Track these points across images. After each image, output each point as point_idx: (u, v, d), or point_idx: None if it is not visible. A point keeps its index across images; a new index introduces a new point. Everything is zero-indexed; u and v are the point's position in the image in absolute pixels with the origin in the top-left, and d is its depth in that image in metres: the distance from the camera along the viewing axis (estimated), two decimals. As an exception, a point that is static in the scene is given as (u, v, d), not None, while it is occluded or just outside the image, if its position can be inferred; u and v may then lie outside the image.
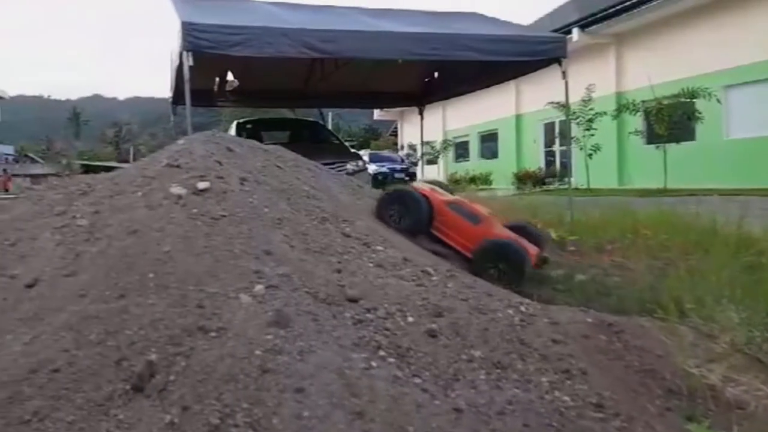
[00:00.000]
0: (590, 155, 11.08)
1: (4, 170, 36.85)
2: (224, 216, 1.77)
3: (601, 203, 5.59)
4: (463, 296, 1.69)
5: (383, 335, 1.43)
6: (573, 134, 10.13)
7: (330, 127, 16.00)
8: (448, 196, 3.62)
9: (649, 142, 11.88)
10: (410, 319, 1.52)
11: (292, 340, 1.30)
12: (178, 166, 1.97)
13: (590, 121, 11.24)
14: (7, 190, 29.87)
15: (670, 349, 1.61)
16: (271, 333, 1.31)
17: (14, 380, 1.18)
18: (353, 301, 1.56)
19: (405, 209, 3.35)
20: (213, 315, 1.37)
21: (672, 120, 10.71)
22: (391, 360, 1.34)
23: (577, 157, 10.91)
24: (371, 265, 1.81)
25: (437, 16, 10.31)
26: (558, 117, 13.10)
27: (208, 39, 6.95)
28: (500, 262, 3.11)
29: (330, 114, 15.53)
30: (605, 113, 11.49)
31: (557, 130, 14.31)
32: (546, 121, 15.39)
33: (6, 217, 1.87)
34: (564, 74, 8.70)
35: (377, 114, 24.73)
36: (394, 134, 25.89)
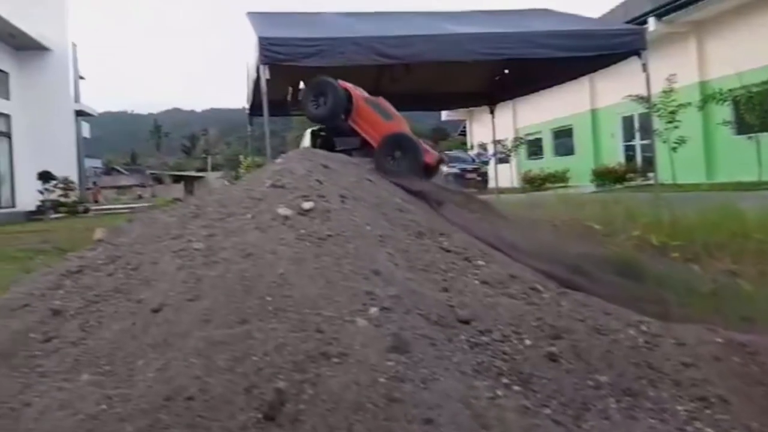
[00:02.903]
0: (674, 149, 10.55)
1: (94, 183, 39.49)
2: (330, 236, 1.79)
3: (693, 200, 5.29)
4: (579, 316, 1.63)
5: (502, 360, 1.39)
6: (655, 127, 9.67)
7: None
8: (368, 95, 4.06)
9: (740, 132, 11.16)
10: (527, 341, 1.48)
11: (413, 367, 1.29)
12: (282, 187, 2.02)
13: (673, 112, 10.71)
14: (96, 201, 31.92)
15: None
16: (392, 359, 1.30)
17: (152, 408, 1.23)
18: (465, 322, 1.54)
19: (324, 98, 3.73)
20: (333, 340, 1.37)
21: (764, 108, 10.05)
22: (516, 388, 1.30)
23: (660, 151, 10.40)
24: (477, 282, 1.78)
25: (507, 14, 10.13)
26: (637, 110, 12.57)
27: (282, 52, 7.15)
28: (396, 151, 3.63)
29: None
30: (689, 104, 10.91)
31: (636, 123, 13.74)
32: (624, 115, 14.79)
33: (124, 241, 1.97)
34: (644, 66, 8.32)
35: (445, 114, 24.62)
36: (463, 134, 25.71)
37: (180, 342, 1.42)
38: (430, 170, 3.88)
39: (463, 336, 1.46)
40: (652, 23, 12.52)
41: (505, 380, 1.32)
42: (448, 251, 2.00)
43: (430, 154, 3.80)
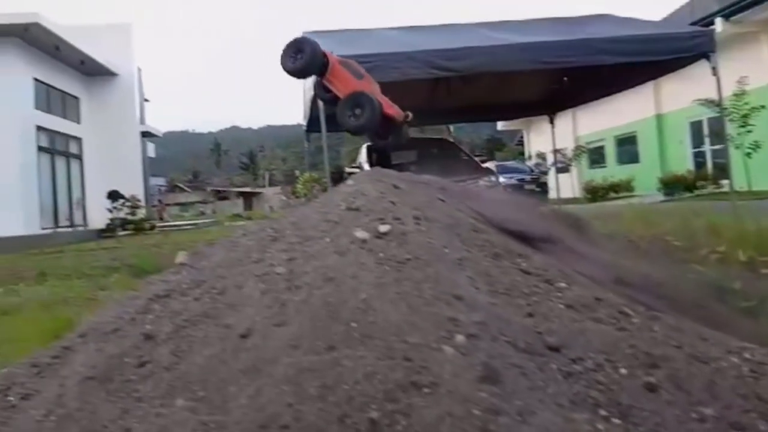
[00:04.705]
0: (749, 154, 10.04)
1: (159, 200, 41.21)
2: (409, 259, 1.77)
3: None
4: (674, 342, 1.55)
5: (598, 390, 1.34)
6: (728, 132, 9.24)
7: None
8: (342, 58, 4.54)
9: (822, 135, 10.52)
10: (623, 370, 1.41)
11: (507, 398, 1.25)
12: (357, 209, 2.03)
13: (746, 116, 10.21)
14: (161, 218, 33.29)
15: None
16: (484, 390, 1.27)
17: (248, 435, 1.25)
18: (554, 350, 1.49)
19: (302, 53, 4.18)
20: (421, 368, 1.36)
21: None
22: (616, 420, 1.24)
23: (732, 157, 9.92)
24: (562, 306, 1.72)
25: (565, 21, 9.95)
26: (706, 114, 12.05)
27: (339, 70, 7.23)
28: (356, 108, 4.04)
29: (452, 127, 15.60)
30: (763, 107, 10.38)
31: (706, 128, 13.15)
32: (692, 120, 14.20)
33: (207, 264, 2.02)
34: (714, 70, 7.98)
35: (501, 124, 24.35)
36: (520, 144, 25.31)
37: (269, 368, 1.44)
38: (394, 123, 4.46)
39: (554, 365, 1.41)
40: (719, 24, 12.03)
41: (603, 412, 1.27)
42: (528, 273, 1.95)
43: (393, 108, 4.32)
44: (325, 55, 4.35)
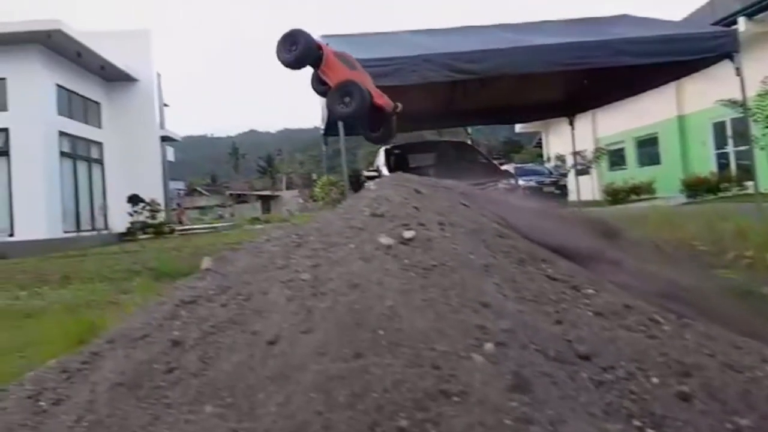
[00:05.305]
0: (773, 155, 9.85)
1: (178, 204, 41.62)
2: (435, 266, 1.77)
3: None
4: (707, 350, 1.52)
5: (630, 400, 1.32)
6: (753, 133, 9.08)
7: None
8: (337, 51, 4.68)
9: None
10: (654, 379, 1.39)
11: (538, 408, 1.24)
12: (381, 215, 2.02)
13: (770, 116, 10.04)
14: (181, 222, 33.61)
15: None
16: (515, 399, 1.26)
17: (279, 442, 1.25)
18: (585, 358, 1.47)
19: (297, 45, 4.30)
20: (450, 377, 1.35)
21: None
22: (650, 431, 1.22)
23: (757, 158, 9.75)
24: (590, 313, 1.70)
25: (584, 22, 9.86)
26: (729, 115, 11.86)
27: (357, 73, 7.25)
28: (346, 97, 4.21)
29: (468, 129, 15.52)
30: (788, 106, 10.18)
31: (729, 129, 12.94)
32: (715, 121, 13.98)
33: (232, 270, 2.03)
34: (738, 71, 7.85)
35: (519, 126, 24.20)
36: (539, 146, 25.13)
37: (298, 375, 1.44)
38: (383, 114, 4.63)
39: (585, 373, 1.39)
40: (742, 23, 11.84)
41: (636, 422, 1.25)
42: (554, 279, 1.93)
43: (383, 98, 4.49)
44: (320, 48, 4.48)
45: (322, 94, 4.93)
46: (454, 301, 1.66)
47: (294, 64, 4.54)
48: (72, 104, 20.41)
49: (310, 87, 5.07)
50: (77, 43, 18.64)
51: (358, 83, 4.36)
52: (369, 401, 1.30)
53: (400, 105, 4.78)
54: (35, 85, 17.83)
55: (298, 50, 4.41)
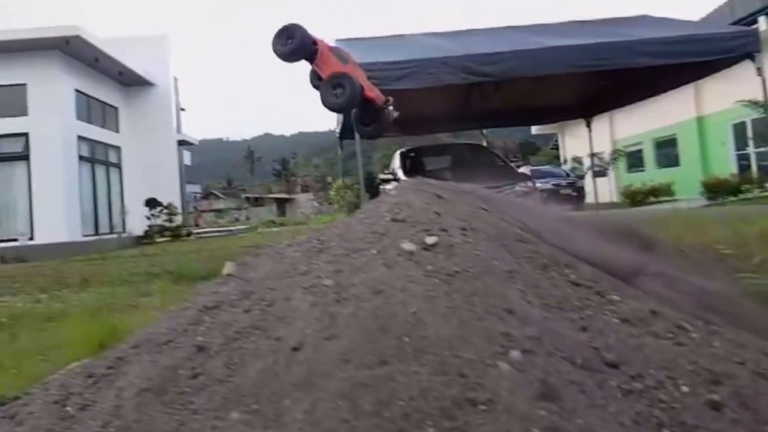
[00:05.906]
0: (796, 156, 9.68)
1: (195, 207, 41.98)
2: (458, 272, 1.76)
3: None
4: (737, 358, 1.49)
5: (660, 409, 1.30)
6: (772, 134, 8.94)
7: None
8: (332, 45, 4.82)
9: None
10: (684, 388, 1.37)
11: (567, 417, 1.22)
12: (403, 221, 2.02)
13: (792, 117, 9.85)
14: (197, 225, 33.87)
15: None
16: (543, 408, 1.24)
17: (308, 451, 1.24)
18: (613, 366, 1.45)
19: (292, 39, 4.40)
20: (476, 385, 1.33)
21: None
22: (681, 441, 1.20)
23: (778, 160, 9.62)
24: (616, 320, 1.68)
25: (602, 24, 9.78)
26: (749, 116, 11.67)
27: (372, 76, 7.31)
28: (337, 88, 4.35)
29: (484, 131, 15.48)
30: (811, 107, 9.99)
31: (750, 130, 12.73)
32: (735, 122, 13.77)
33: (254, 276, 2.04)
34: (759, 71, 7.73)
35: (535, 128, 24.05)
36: (555, 148, 24.95)
37: (323, 382, 1.44)
38: (375, 106, 4.75)
39: (613, 382, 1.37)
40: (762, 22, 11.66)
41: (667, 432, 1.23)
42: (578, 285, 1.91)
43: (374, 91, 4.63)
44: (315, 42, 4.57)
45: (318, 88, 5.01)
46: (479, 307, 1.64)
47: (289, 56, 4.68)
48: (90, 109, 20.69)
49: (310, 82, 5.16)
50: (95, 49, 18.89)
51: (349, 75, 4.48)
52: (395, 409, 1.30)
53: (391, 99, 4.88)
54: (54, 91, 18.09)
55: (293, 44, 4.52)
